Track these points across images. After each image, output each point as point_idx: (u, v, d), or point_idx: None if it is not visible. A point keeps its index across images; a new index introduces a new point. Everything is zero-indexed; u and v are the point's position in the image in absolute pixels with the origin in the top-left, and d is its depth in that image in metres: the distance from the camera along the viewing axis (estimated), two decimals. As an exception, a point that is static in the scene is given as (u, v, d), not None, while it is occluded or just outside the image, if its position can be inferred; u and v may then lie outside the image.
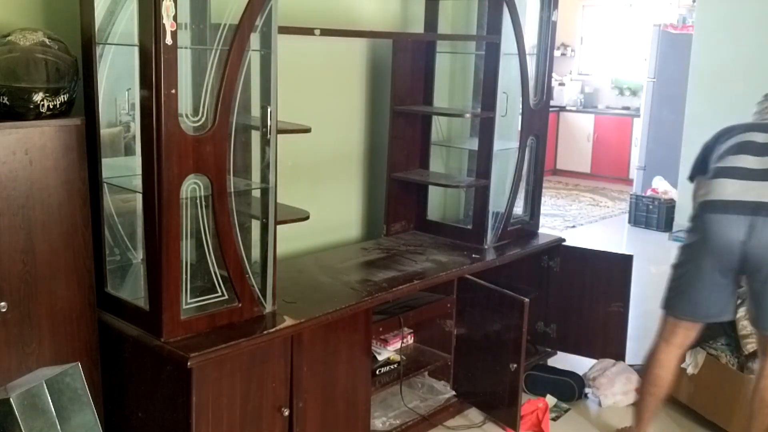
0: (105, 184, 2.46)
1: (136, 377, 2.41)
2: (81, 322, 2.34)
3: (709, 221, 2.69)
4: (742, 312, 3.10)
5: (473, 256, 3.36)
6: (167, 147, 2.16)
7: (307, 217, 2.67)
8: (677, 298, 2.83)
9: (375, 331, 2.86)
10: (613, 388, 3.49)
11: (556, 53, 8.82)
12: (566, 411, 3.41)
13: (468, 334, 3.22)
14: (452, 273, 3.14)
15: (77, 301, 2.32)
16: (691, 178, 2.98)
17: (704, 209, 2.73)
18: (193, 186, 2.29)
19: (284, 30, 2.44)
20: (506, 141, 3.57)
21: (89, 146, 2.30)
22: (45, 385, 1.97)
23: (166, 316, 2.26)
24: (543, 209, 4.26)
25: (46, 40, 2.17)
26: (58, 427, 1.97)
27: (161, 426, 2.35)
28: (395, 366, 3.10)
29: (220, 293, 2.42)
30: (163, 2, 2.06)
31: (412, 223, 3.74)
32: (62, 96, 2.19)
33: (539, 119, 3.67)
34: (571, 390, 3.50)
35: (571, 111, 9.54)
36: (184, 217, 2.29)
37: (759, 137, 2.76)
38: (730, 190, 2.68)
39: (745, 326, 3.17)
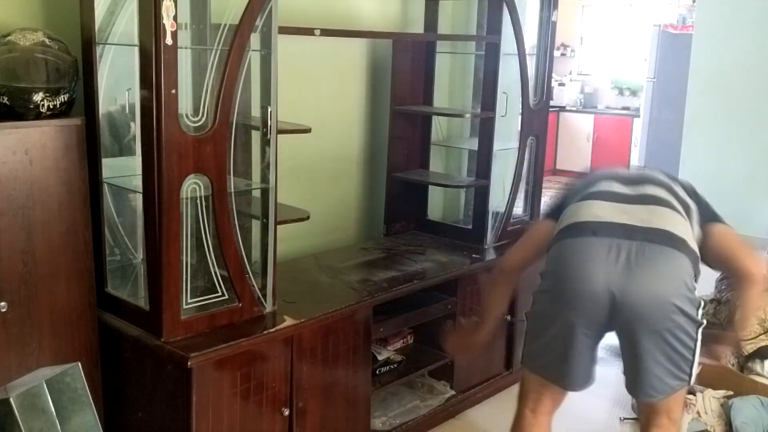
0: (105, 184, 2.47)
1: (136, 377, 2.41)
2: (81, 322, 2.34)
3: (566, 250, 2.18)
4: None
5: (473, 256, 3.36)
6: (167, 147, 2.16)
7: (307, 217, 2.67)
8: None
9: (375, 331, 2.86)
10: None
11: (556, 53, 8.82)
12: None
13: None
14: (452, 273, 3.14)
15: (77, 301, 2.32)
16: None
17: (559, 237, 2.22)
18: (193, 186, 2.29)
19: (284, 30, 2.44)
20: (506, 141, 3.57)
21: (89, 146, 2.30)
22: (45, 385, 1.97)
23: (166, 316, 2.26)
24: (543, 209, 4.25)
25: (46, 40, 2.17)
26: (58, 427, 1.97)
27: (161, 426, 2.35)
28: (395, 366, 3.10)
29: (220, 293, 2.42)
30: (163, 2, 2.06)
31: (412, 223, 3.74)
32: (62, 96, 2.19)
33: (539, 119, 3.67)
34: None
35: (571, 111, 9.53)
36: (184, 217, 2.29)
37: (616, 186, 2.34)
38: (599, 211, 2.21)
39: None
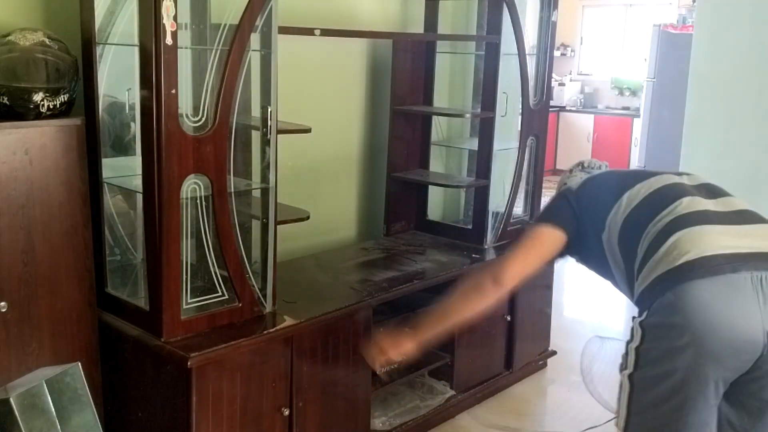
0: (105, 184, 2.46)
1: (136, 377, 2.41)
2: (81, 322, 2.34)
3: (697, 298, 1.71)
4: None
5: (473, 256, 3.36)
6: (167, 147, 2.16)
7: (307, 217, 2.67)
8: None
9: (375, 331, 2.86)
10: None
11: (556, 53, 8.81)
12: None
13: (468, 334, 3.22)
14: (452, 273, 3.14)
15: (77, 301, 2.32)
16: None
17: (680, 278, 1.75)
18: (193, 186, 2.29)
19: (284, 30, 2.44)
20: (506, 141, 3.57)
21: (89, 146, 2.30)
22: (45, 385, 1.97)
23: (166, 316, 2.26)
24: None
25: (46, 40, 2.17)
26: (58, 427, 1.96)
27: (161, 426, 2.35)
28: (395, 366, 3.10)
29: (220, 293, 2.42)
30: (163, 2, 2.06)
31: (412, 223, 3.74)
32: (62, 96, 2.19)
33: (539, 119, 3.67)
34: None
35: (571, 111, 9.54)
36: (184, 217, 2.29)
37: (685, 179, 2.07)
38: (719, 240, 1.79)
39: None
